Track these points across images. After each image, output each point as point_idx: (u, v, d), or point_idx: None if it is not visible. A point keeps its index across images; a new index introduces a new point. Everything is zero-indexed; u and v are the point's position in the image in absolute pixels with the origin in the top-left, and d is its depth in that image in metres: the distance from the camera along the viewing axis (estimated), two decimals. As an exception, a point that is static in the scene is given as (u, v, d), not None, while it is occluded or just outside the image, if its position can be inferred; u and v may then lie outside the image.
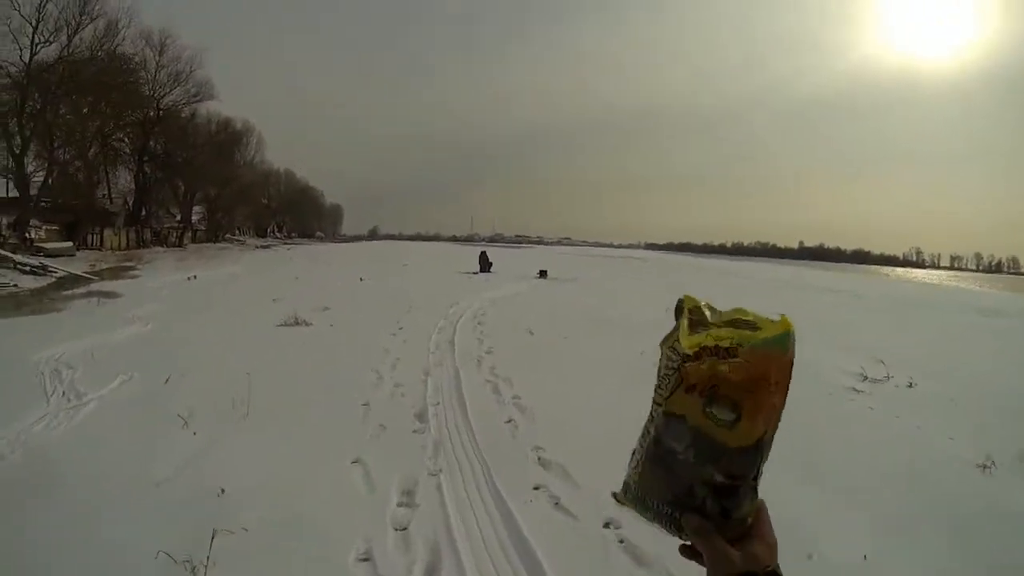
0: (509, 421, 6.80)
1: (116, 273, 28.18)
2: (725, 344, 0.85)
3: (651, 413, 0.96)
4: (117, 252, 43.42)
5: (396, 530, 4.33)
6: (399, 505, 4.69)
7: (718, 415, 0.84)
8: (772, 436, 0.87)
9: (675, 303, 0.99)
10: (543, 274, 31.61)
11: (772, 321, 0.87)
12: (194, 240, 64.20)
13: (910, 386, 9.60)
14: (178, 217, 68.65)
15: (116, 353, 9.74)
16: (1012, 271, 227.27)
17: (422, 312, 15.05)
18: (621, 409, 5.88)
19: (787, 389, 0.86)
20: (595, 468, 5.11)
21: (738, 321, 0.89)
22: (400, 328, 12.51)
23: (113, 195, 56.53)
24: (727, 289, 29.39)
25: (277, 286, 21.10)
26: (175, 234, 58.80)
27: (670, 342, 0.94)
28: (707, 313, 0.94)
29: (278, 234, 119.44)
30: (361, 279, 24.81)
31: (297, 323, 12.64)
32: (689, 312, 0.94)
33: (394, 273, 30.43)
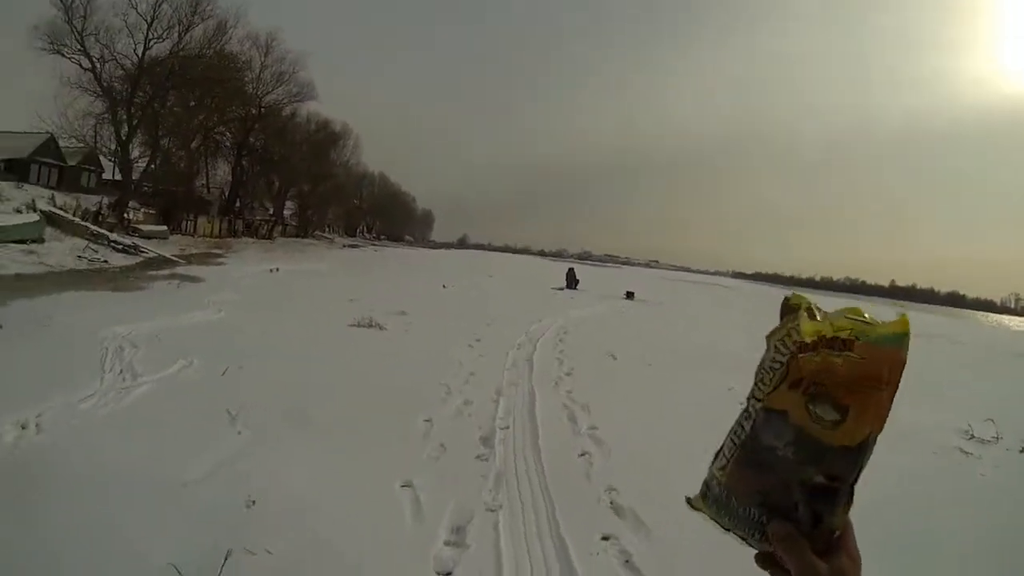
0: (583, 455, 6.19)
1: (203, 259, 28.87)
2: (843, 335, 0.78)
3: (747, 409, 0.91)
4: (209, 239, 44.53)
5: (438, 575, 3.81)
6: (446, 544, 4.16)
7: (821, 414, 0.79)
8: (876, 438, 0.79)
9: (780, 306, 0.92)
10: (630, 295, 30.95)
11: (889, 321, 0.79)
12: (284, 234, 65.54)
13: (1022, 451, 8.65)
14: (270, 210, 70.22)
15: (183, 337, 9.67)
16: None
17: (503, 326, 14.56)
18: (707, 454, 5.43)
19: (896, 390, 0.77)
20: (674, 519, 4.45)
21: (854, 319, 0.80)
22: (477, 340, 12.03)
23: (211, 185, 58.34)
24: None
25: (357, 286, 21.04)
26: (266, 226, 60.12)
27: (779, 335, 0.86)
28: (817, 313, 0.84)
29: (367, 235, 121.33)
30: (444, 286, 24.60)
31: (371, 325, 12.35)
32: (804, 309, 0.85)
33: (479, 283, 30.22)
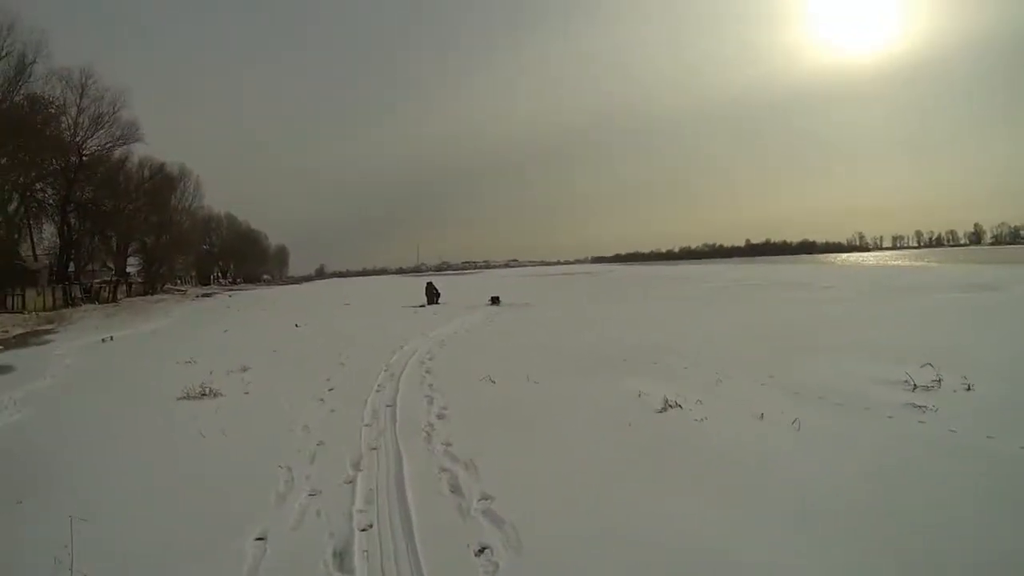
0: (481, 552, 4.30)
1: (26, 339, 24.78)
2: None
3: None
4: (41, 313, 39.59)
5: None
6: None
7: None
8: None
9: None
10: (495, 301, 29.28)
11: None
12: (130, 294, 59.85)
13: (969, 389, 7.98)
14: (113, 271, 64.88)
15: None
16: (952, 244, 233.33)
17: (360, 362, 12.53)
18: (652, 512, 4.78)
19: None
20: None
21: None
22: (330, 390, 9.93)
23: (39, 251, 52.77)
24: (695, 297, 27.27)
25: (199, 343, 18.37)
26: (108, 289, 54.77)
27: None
28: None
29: (222, 280, 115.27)
30: (297, 325, 22.01)
31: (204, 395, 9.92)
32: None
33: (335, 315, 27.45)
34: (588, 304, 27.64)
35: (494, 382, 9.90)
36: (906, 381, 8.34)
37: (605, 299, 30.69)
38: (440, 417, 7.90)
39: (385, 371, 11.42)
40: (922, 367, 8.88)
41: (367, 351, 14.09)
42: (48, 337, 25.29)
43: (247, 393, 10.11)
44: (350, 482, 5.72)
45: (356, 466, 6.15)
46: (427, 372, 11.13)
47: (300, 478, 5.86)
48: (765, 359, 11.01)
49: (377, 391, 9.66)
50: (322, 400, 9.19)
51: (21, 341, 24.28)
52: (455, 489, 5.45)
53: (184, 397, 9.91)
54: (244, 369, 12.36)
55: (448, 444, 6.69)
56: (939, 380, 8.25)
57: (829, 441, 6.33)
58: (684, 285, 39.69)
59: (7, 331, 28.72)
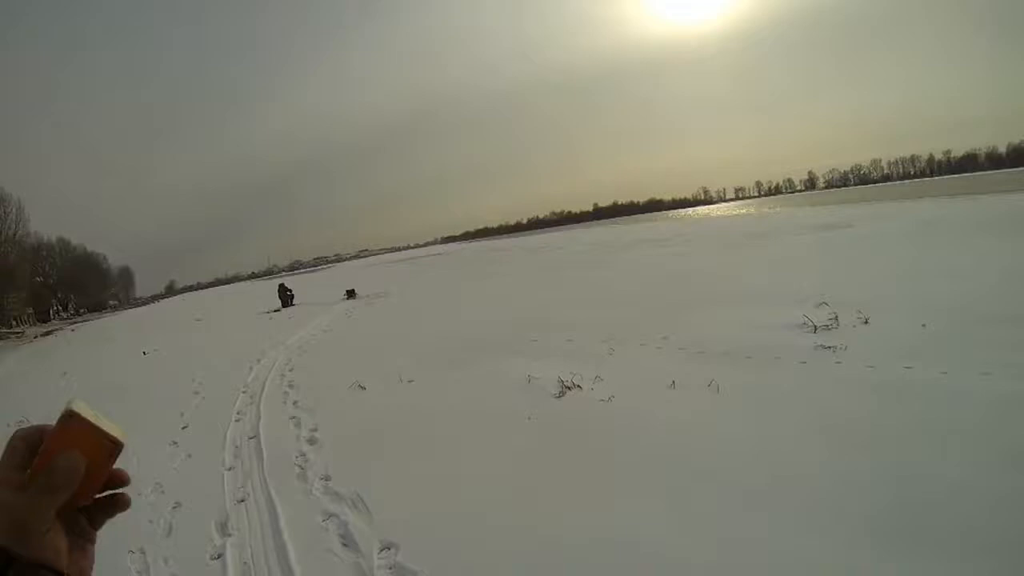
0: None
1: None
2: None
3: None
4: None
5: None
6: None
7: None
8: None
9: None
10: (351, 294, 27.81)
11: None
12: (-46, 345, 53.83)
13: (866, 323, 7.95)
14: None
15: None
16: (789, 191, 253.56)
17: (215, 388, 10.95)
18: (586, 526, 4.07)
19: None
20: None
21: None
22: (184, 428, 8.46)
23: None
24: (554, 266, 26.83)
25: (32, 396, 16.10)
26: (-72, 344, 48.79)
27: None
28: None
29: (63, 314, 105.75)
30: (144, 353, 19.53)
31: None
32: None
33: (184, 334, 25.01)
34: (445, 286, 26.57)
35: (364, 388, 8.84)
36: (804, 324, 8.06)
37: (462, 279, 29.63)
38: (311, 442, 6.77)
39: (244, 393, 10.01)
40: (817, 307, 8.67)
41: (222, 372, 12.45)
42: None
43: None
44: (218, 557, 4.54)
45: (223, 530, 4.95)
46: (289, 386, 9.86)
47: (156, 563, 4.66)
48: (650, 321, 10.55)
49: (237, 420, 8.32)
50: (175, 444, 7.76)
51: None
52: (348, 541, 4.42)
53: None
54: (84, 418, 10.72)
55: (326, 478, 5.62)
56: (835, 317, 8.01)
57: (754, 401, 5.81)
58: (540, 255, 38.91)
59: None
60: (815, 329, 7.85)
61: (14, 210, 69.66)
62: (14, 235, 69.41)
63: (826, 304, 8.87)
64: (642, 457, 4.97)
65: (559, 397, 6.96)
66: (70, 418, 0.76)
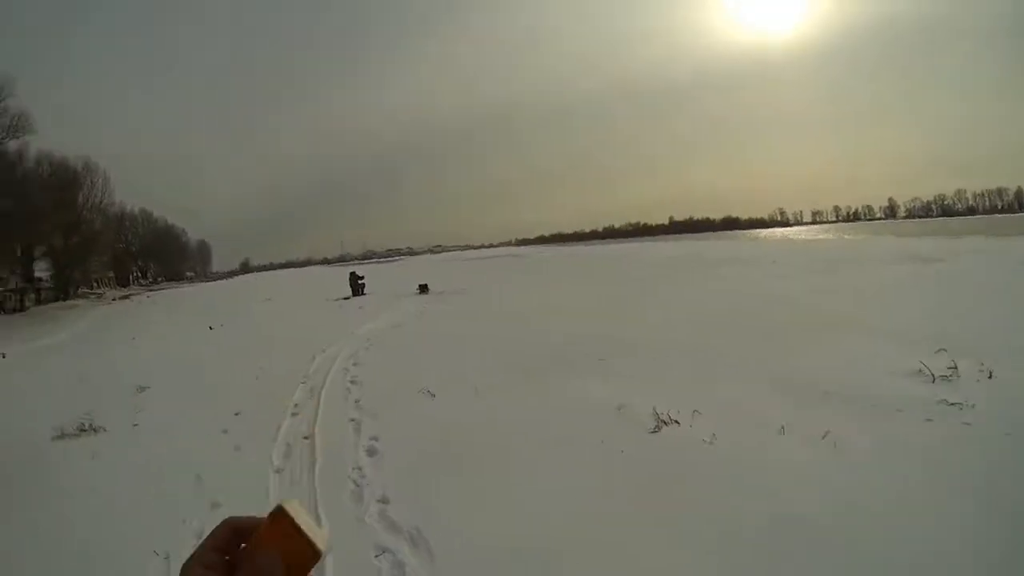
0: None
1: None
2: None
3: None
4: (-65, 327, 36.13)
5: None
6: None
7: None
8: None
9: None
10: (424, 289, 27.16)
11: None
12: (40, 301, 55.53)
13: (990, 376, 6.72)
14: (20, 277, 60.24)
15: None
16: (868, 218, 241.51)
17: (275, 374, 10.49)
18: None
19: None
20: None
21: None
22: (237, 414, 8.00)
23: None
24: (636, 277, 25.64)
25: (100, 355, 16.12)
26: (13, 297, 50.50)
27: None
28: None
29: (143, 281, 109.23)
30: (211, 328, 19.55)
31: (83, 430, 7.95)
32: None
33: (254, 312, 25.08)
34: (521, 289, 25.44)
35: (433, 395, 8.10)
36: (920, 371, 7.00)
37: (538, 283, 28.53)
38: (371, 453, 6.11)
39: (304, 384, 9.50)
40: (935, 353, 7.60)
41: (284, 357, 12.06)
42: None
43: (136, 425, 8.13)
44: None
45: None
46: (352, 383, 9.25)
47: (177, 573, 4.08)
48: (747, 349, 9.57)
49: (293, 414, 7.78)
50: (225, 432, 7.28)
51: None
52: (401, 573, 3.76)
53: (59, 437, 7.90)
54: (141, 389, 10.29)
55: (384, 501, 4.94)
56: (955, 367, 6.94)
57: (880, 463, 4.85)
58: (619, 264, 37.62)
59: None
60: (933, 379, 6.78)
61: (101, 180, 71.95)
62: (100, 203, 72.08)
63: (944, 350, 7.76)
64: (754, 517, 4.11)
65: (654, 432, 6.13)
66: (280, 517, 0.79)
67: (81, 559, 4.51)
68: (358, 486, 5.31)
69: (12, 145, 51.64)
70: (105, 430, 8.00)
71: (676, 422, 6.26)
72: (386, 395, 8.31)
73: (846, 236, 68.47)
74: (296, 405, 8.21)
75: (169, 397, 9.64)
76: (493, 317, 16.01)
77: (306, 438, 6.76)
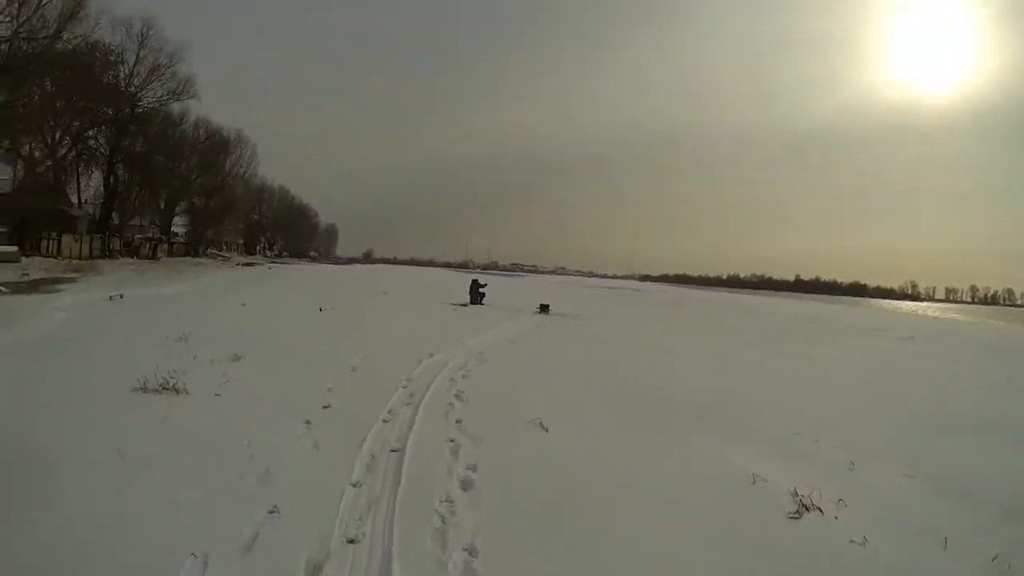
0: None
1: (37, 286, 22.79)
2: None
3: None
4: (75, 261, 38.01)
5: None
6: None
7: None
8: None
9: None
10: (544, 309, 26.33)
11: None
12: (171, 253, 58.37)
13: None
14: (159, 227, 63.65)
15: None
16: (1008, 303, 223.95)
17: (376, 371, 9.88)
18: None
19: None
20: None
21: None
22: (326, 407, 7.36)
23: (85, 199, 51.29)
24: (767, 334, 23.76)
25: (208, 315, 16.16)
26: (149, 245, 53.12)
27: None
28: None
29: (268, 252, 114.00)
30: (321, 309, 19.40)
31: (165, 388, 7.54)
32: None
33: (367, 303, 24.96)
34: (646, 325, 24.20)
35: (546, 429, 7.09)
36: None
37: (663, 321, 27.21)
38: (466, 485, 5.21)
39: (404, 388, 8.78)
40: None
41: (389, 355, 11.49)
42: (63, 287, 23.32)
43: (218, 395, 7.60)
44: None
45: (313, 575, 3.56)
46: (457, 397, 8.41)
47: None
48: (895, 434, 8.26)
49: (385, 421, 7.01)
50: (308, 423, 6.62)
51: (32, 287, 22.34)
52: None
53: (139, 389, 7.51)
54: (236, 358, 9.91)
55: (471, 552, 4.02)
56: None
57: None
58: (747, 316, 35.80)
59: (26, 275, 26.99)
60: None
61: (248, 153, 77.30)
62: (244, 173, 78.17)
63: None
64: None
65: (795, 518, 5.00)
66: None
67: (102, 549, 3.79)
68: (444, 524, 4.42)
69: (175, 107, 54.51)
70: (187, 392, 7.57)
71: (819, 509, 5.15)
72: (493, 418, 7.41)
73: (983, 319, 63.39)
74: (391, 411, 7.45)
75: (260, 372, 9.15)
76: (614, 350, 14.91)
77: (394, 451, 5.93)
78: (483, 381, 9.71)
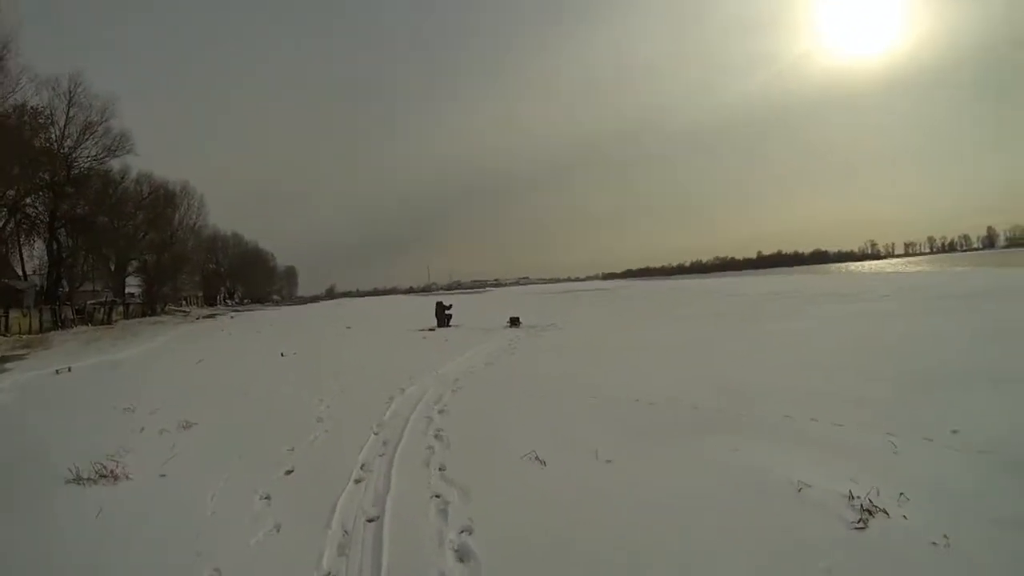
0: None
1: (-21, 368, 21.49)
2: None
3: None
4: (24, 336, 36.20)
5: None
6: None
7: None
8: None
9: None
10: (514, 322, 25.36)
11: None
12: (127, 315, 56.35)
13: None
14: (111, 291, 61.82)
15: None
16: (965, 249, 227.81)
17: (344, 418, 8.85)
18: None
19: None
20: None
21: None
22: (288, 472, 6.35)
23: (30, 270, 49.57)
24: (741, 314, 22.89)
25: (161, 378, 14.94)
26: (103, 310, 51.20)
27: None
28: None
29: (229, 301, 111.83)
30: (282, 354, 18.28)
31: (103, 476, 6.46)
32: None
33: (332, 340, 23.70)
34: (617, 325, 23.17)
35: (543, 463, 6.12)
36: None
37: (633, 318, 26.37)
38: (463, 557, 4.22)
39: (376, 435, 7.72)
40: None
41: (357, 397, 10.42)
42: (8, 365, 21.79)
43: (164, 476, 6.56)
44: None
45: None
46: (437, 438, 7.38)
47: None
48: (915, 401, 7.55)
49: (357, 481, 5.98)
50: (267, 499, 5.62)
51: (-26, 370, 20.83)
52: None
53: (72, 480, 6.43)
54: (187, 425, 8.83)
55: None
56: None
57: None
58: (716, 300, 35.03)
59: (-28, 356, 25.45)
60: None
61: (196, 203, 78.14)
62: (194, 225, 78.96)
63: None
64: None
65: (860, 528, 4.19)
66: None
67: None
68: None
69: (114, 164, 53.46)
70: (127, 478, 6.52)
71: (884, 511, 4.35)
72: (481, 459, 6.41)
73: (945, 268, 63.89)
74: (363, 467, 6.41)
75: (214, 439, 8.09)
76: (594, 357, 13.93)
77: (371, 520, 4.95)
78: (463, 414, 8.67)
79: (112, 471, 6.61)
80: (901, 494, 4.66)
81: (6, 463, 7.44)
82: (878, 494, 4.63)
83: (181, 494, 5.92)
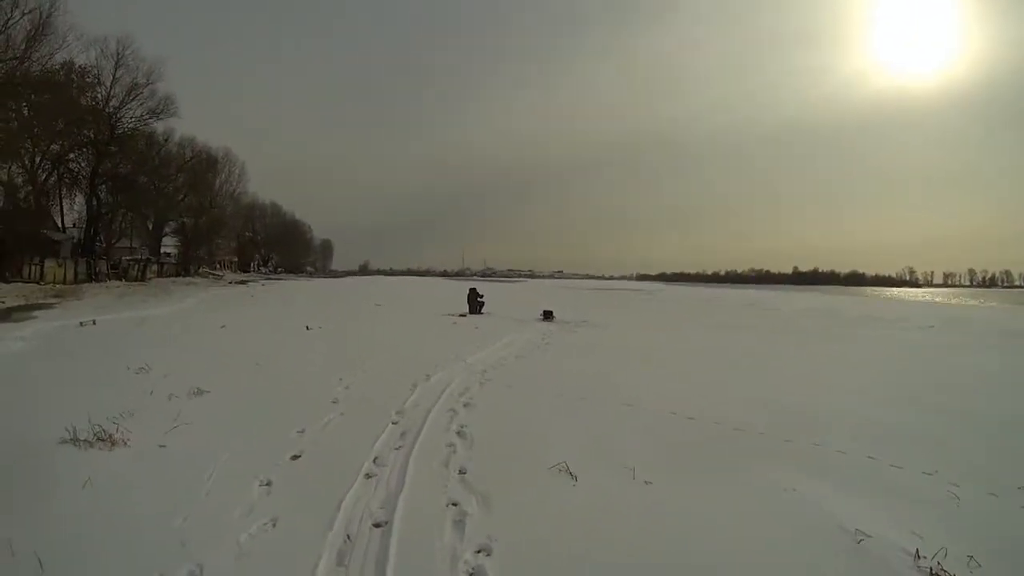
0: None
1: (10, 313, 21.27)
2: None
3: None
4: (57, 286, 36.51)
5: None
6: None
7: None
8: None
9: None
10: (548, 316, 24.68)
11: None
12: (161, 274, 56.74)
13: None
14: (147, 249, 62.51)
15: None
16: (1007, 285, 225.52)
17: (361, 401, 8.32)
18: None
19: None
20: None
21: None
22: (295, 457, 5.84)
23: (68, 223, 50.12)
24: (789, 329, 21.93)
25: (180, 340, 14.64)
26: (137, 267, 51.52)
27: None
28: None
29: (263, 268, 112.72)
30: (307, 327, 17.82)
31: (100, 439, 6.07)
32: None
33: (360, 317, 23.32)
34: (658, 329, 22.34)
35: (574, 477, 5.50)
36: None
37: (673, 323, 25.46)
38: (478, 582, 3.74)
39: (394, 424, 7.21)
40: None
41: (379, 379, 9.93)
42: (37, 313, 21.81)
43: (163, 447, 6.09)
44: None
45: None
46: (459, 435, 6.81)
47: None
48: (974, 446, 6.84)
49: (368, 476, 5.44)
50: (269, 485, 5.12)
51: (3, 315, 20.74)
52: None
53: (68, 440, 6.00)
54: (198, 392, 8.41)
55: None
56: None
57: None
58: (756, 312, 34.06)
59: (2, 302, 25.53)
60: None
61: (237, 171, 78.20)
62: (233, 191, 79.25)
63: None
64: None
65: None
66: None
67: None
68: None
69: (159, 127, 53.90)
70: (125, 444, 6.10)
71: None
72: (505, 465, 5.82)
73: (989, 303, 61.85)
74: (376, 460, 5.87)
75: (223, 410, 7.62)
76: (631, 360, 13.21)
77: (378, 526, 4.40)
78: (490, 411, 8.07)
79: (111, 435, 6.20)
80: (971, 558, 4.04)
81: (23, 407, 7.15)
82: (946, 555, 4.02)
83: (177, 469, 5.44)
